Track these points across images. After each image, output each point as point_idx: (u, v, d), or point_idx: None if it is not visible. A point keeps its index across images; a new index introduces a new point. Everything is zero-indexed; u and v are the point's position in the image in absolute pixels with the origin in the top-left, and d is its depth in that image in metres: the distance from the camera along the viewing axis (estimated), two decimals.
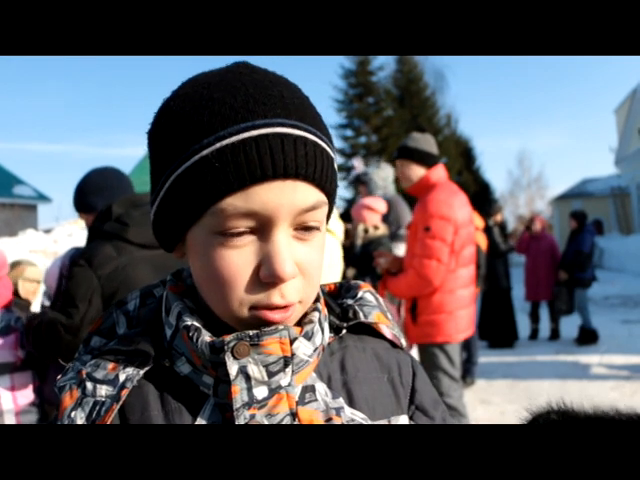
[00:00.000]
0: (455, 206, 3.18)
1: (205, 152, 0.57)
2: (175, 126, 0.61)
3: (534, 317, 8.47)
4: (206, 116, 0.58)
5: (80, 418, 0.62)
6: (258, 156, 0.56)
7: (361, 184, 5.19)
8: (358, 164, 7.27)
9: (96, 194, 2.28)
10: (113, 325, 0.73)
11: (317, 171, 0.60)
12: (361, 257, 3.94)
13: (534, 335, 8.42)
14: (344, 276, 4.08)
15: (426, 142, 3.33)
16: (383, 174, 5.08)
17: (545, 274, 8.30)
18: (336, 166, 0.66)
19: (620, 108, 25.41)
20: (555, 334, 8.29)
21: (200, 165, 0.58)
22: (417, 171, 3.33)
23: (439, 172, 3.31)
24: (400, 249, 4.39)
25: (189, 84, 0.64)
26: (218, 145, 0.57)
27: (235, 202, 0.57)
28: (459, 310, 3.26)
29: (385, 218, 4.54)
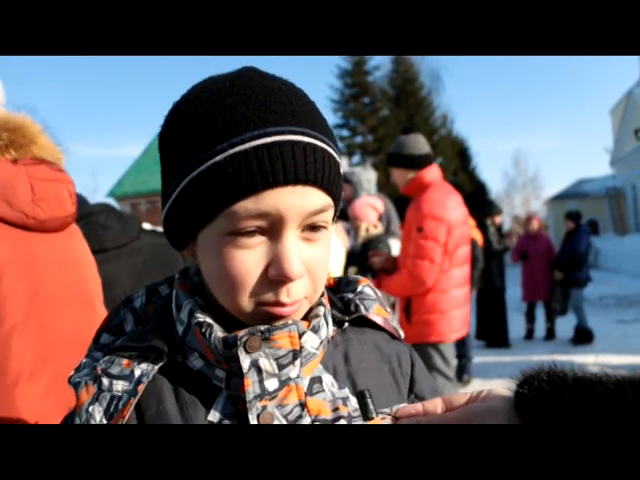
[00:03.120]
0: (448, 206, 3.18)
1: (218, 158, 0.59)
2: (187, 131, 0.63)
3: (530, 317, 8.48)
4: (219, 122, 0.60)
5: (98, 412, 0.64)
6: (270, 163, 0.59)
7: (346, 183, 5.19)
8: (343, 163, 7.28)
9: None
10: (121, 322, 0.76)
11: (325, 177, 0.63)
12: (362, 255, 3.94)
13: (530, 335, 8.44)
14: (345, 274, 4.07)
15: (412, 144, 3.31)
16: (367, 176, 5.11)
17: (542, 274, 8.31)
18: (342, 170, 0.69)
19: (615, 109, 25.49)
20: (551, 334, 8.30)
21: (213, 170, 0.60)
22: (405, 175, 3.33)
23: (433, 172, 3.30)
24: (393, 245, 4.40)
25: (199, 88, 0.66)
26: (232, 151, 0.59)
27: (247, 205, 0.60)
28: (453, 310, 3.26)
29: (379, 216, 4.56)
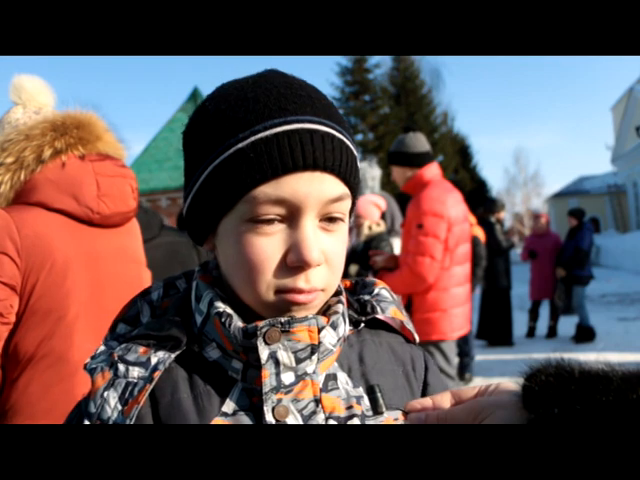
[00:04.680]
0: (448, 203, 3.18)
1: (241, 145, 0.62)
2: (211, 123, 0.66)
3: (533, 315, 8.45)
4: (241, 113, 0.64)
5: (113, 398, 0.65)
6: (290, 148, 0.62)
7: None
8: None
9: None
10: (137, 314, 0.77)
11: (342, 165, 0.65)
12: (364, 253, 3.93)
13: (531, 333, 8.43)
14: (347, 272, 4.07)
15: (411, 143, 3.31)
16: (372, 173, 5.09)
17: (550, 272, 8.25)
18: (358, 163, 0.71)
19: (617, 106, 25.47)
20: (552, 332, 8.29)
21: (236, 156, 0.63)
22: (404, 173, 3.34)
23: (432, 170, 3.30)
24: (396, 243, 4.41)
25: (223, 88, 0.69)
26: (253, 138, 0.62)
27: (267, 190, 0.62)
28: (454, 308, 3.26)
29: (382, 214, 4.57)
